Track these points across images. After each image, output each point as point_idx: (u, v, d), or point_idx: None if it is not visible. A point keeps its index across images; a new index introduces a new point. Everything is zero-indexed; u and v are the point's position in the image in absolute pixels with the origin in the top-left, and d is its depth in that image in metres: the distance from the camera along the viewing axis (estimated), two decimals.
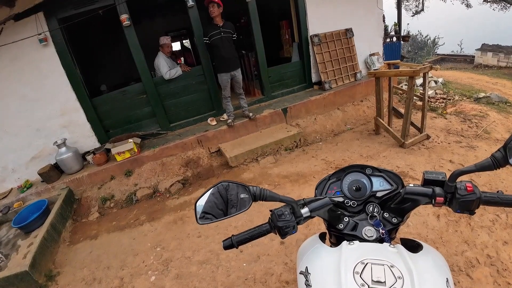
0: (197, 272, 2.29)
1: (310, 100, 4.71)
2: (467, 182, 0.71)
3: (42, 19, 3.54)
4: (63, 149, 3.79)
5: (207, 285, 2.14)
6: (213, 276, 2.21)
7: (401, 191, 0.78)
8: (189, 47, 9.17)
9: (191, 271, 2.31)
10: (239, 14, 6.79)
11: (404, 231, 2.26)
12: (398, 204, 0.78)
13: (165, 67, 4.22)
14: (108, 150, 4.00)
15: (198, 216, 0.77)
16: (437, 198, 0.72)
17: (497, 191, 0.71)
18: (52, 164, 3.91)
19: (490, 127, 3.90)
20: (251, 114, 4.35)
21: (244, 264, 2.24)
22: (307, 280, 0.65)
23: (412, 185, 0.77)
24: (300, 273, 0.70)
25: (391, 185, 0.87)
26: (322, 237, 0.84)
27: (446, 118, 4.35)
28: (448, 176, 0.73)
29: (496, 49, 10.77)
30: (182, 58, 7.55)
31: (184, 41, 9.81)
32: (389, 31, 7.95)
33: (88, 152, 4.14)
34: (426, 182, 0.76)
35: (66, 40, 3.78)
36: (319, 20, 4.91)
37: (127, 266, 2.54)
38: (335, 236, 0.83)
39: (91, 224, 3.42)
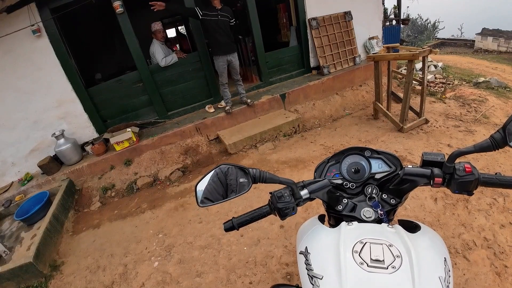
0: (199, 256, 2.33)
1: (309, 86, 4.67)
2: (466, 163, 0.71)
3: (34, 9, 3.46)
4: (62, 140, 3.77)
5: (209, 268, 2.19)
6: (215, 260, 2.26)
7: (399, 172, 0.78)
8: (185, 33, 8.99)
9: (193, 255, 2.36)
10: None
11: (401, 214, 2.29)
12: (397, 185, 0.79)
13: (160, 54, 4.15)
14: (107, 140, 3.99)
15: (199, 201, 0.77)
16: (436, 179, 0.72)
17: (495, 173, 0.72)
18: (52, 156, 3.91)
19: (489, 112, 3.89)
20: (249, 100, 4.32)
21: (245, 248, 2.29)
22: (307, 260, 0.67)
23: (411, 166, 0.77)
24: (300, 253, 0.71)
25: (390, 167, 0.87)
26: (321, 218, 0.85)
27: (445, 103, 4.33)
28: (446, 157, 0.73)
29: (496, 33, 10.59)
30: (178, 45, 7.40)
31: (179, 27, 9.60)
32: (388, 14, 7.80)
33: (86, 143, 4.13)
34: (425, 163, 0.76)
35: (59, 30, 3.69)
36: (317, 2, 4.80)
37: (131, 253, 2.58)
38: (334, 217, 0.84)
39: (93, 213, 3.46)
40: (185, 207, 3.04)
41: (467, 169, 0.69)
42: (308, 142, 3.88)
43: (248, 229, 2.43)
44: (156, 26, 4.17)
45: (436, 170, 0.73)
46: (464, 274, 1.78)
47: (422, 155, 0.77)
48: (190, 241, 2.53)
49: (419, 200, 2.41)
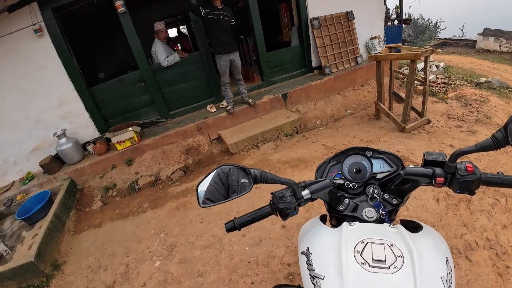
0: (201, 256, 2.33)
1: (310, 85, 4.67)
2: (468, 163, 0.71)
3: (36, 9, 3.46)
4: (63, 139, 3.78)
5: (211, 268, 2.19)
6: (217, 260, 2.26)
7: (401, 172, 0.78)
8: (186, 33, 8.99)
9: (195, 255, 2.36)
10: None
11: (403, 214, 2.29)
12: (398, 185, 0.79)
13: (162, 54, 4.16)
14: (108, 140, 4.00)
15: (200, 201, 0.78)
16: (437, 178, 0.72)
17: (497, 173, 0.71)
18: (53, 155, 3.91)
19: (490, 112, 3.88)
20: (250, 100, 4.32)
21: (247, 248, 2.29)
22: (308, 260, 0.67)
23: (412, 166, 0.77)
24: (301, 254, 0.71)
25: (391, 166, 0.87)
26: (322, 219, 0.85)
27: (447, 103, 4.32)
28: (448, 157, 0.73)
29: (498, 34, 10.52)
30: (179, 45, 7.41)
31: (180, 27, 9.61)
32: (390, 14, 7.78)
33: (88, 142, 4.13)
34: (426, 163, 0.76)
35: (61, 29, 3.70)
36: (319, 2, 4.79)
37: (132, 253, 2.58)
38: (336, 217, 0.84)
39: (94, 213, 3.46)
40: (187, 207, 3.05)
41: (468, 169, 0.69)
42: (310, 142, 3.88)
43: (250, 229, 2.43)
44: (159, 25, 4.18)
45: (438, 170, 0.73)
46: (466, 275, 1.77)
47: (424, 154, 0.76)
48: (192, 241, 2.53)
49: (421, 201, 2.41)
